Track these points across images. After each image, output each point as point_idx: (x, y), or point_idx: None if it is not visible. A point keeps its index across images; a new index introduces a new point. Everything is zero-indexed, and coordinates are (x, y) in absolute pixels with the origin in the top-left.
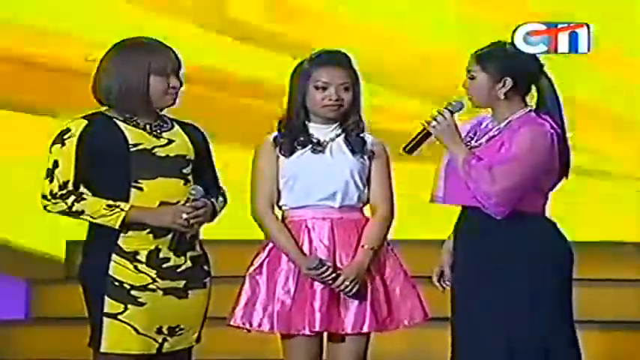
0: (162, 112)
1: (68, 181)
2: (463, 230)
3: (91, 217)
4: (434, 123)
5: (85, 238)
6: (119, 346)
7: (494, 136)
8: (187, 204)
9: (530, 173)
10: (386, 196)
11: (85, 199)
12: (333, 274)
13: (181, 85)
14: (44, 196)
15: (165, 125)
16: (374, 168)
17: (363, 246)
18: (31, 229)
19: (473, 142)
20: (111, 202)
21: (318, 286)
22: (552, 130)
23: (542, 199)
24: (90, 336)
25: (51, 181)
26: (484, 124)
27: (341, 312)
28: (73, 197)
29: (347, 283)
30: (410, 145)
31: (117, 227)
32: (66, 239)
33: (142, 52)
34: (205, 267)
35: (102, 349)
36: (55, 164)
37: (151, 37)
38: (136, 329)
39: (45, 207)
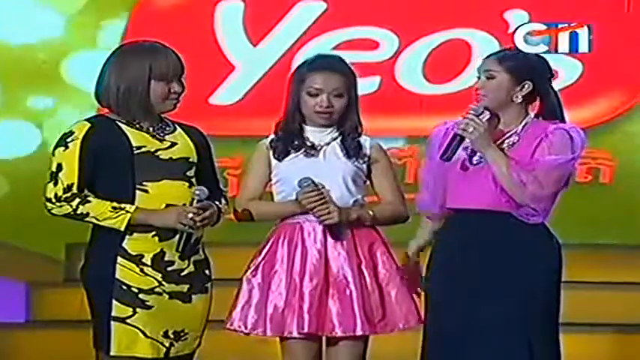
0: (165, 115)
1: (72, 184)
2: (466, 234)
3: (96, 219)
4: (470, 129)
5: (86, 241)
6: (129, 349)
7: (515, 142)
8: (193, 204)
9: (567, 179)
10: (395, 195)
11: (89, 201)
12: (320, 197)
13: (183, 90)
14: (48, 199)
15: (167, 128)
16: (375, 172)
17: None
18: (31, 232)
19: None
20: (116, 204)
21: (306, 288)
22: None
23: None
24: (95, 338)
25: (55, 185)
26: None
27: (331, 315)
28: (77, 200)
29: (330, 210)
30: (447, 153)
31: (122, 229)
32: (66, 242)
33: (143, 55)
34: (207, 271)
35: (112, 353)
36: (59, 167)
37: (155, 41)
38: (144, 333)
39: (49, 210)
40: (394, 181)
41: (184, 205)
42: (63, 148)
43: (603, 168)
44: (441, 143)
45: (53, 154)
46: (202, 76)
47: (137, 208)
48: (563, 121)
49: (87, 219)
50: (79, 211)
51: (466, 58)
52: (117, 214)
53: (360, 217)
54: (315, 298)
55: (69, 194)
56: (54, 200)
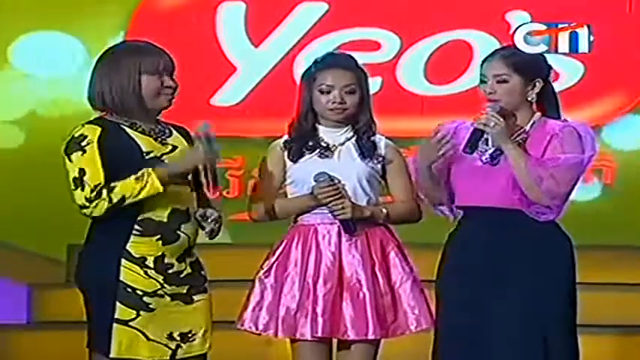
0: (158, 117)
1: (100, 184)
2: (477, 232)
3: (132, 196)
4: (492, 124)
5: (86, 242)
6: (130, 351)
7: (524, 140)
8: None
9: (580, 177)
10: (409, 194)
11: (115, 186)
12: (336, 191)
13: (177, 86)
14: (82, 206)
15: (165, 131)
16: (390, 172)
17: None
18: (33, 233)
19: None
20: (136, 175)
21: (320, 292)
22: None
23: None
24: (92, 339)
25: (82, 189)
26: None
27: (344, 318)
28: (105, 191)
29: (344, 205)
30: (469, 146)
31: (161, 190)
32: (67, 243)
33: (132, 53)
34: (202, 272)
35: (112, 355)
36: (82, 172)
37: (143, 40)
38: (145, 335)
39: (88, 215)
40: (408, 181)
41: (188, 208)
42: (81, 152)
43: (605, 169)
44: (458, 139)
45: (70, 161)
46: (204, 77)
47: (153, 169)
48: (559, 116)
49: (125, 202)
50: (114, 200)
51: (468, 59)
52: (144, 182)
53: (374, 214)
54: (329, 301)
55: (95, 193)
56: (87, 204)
